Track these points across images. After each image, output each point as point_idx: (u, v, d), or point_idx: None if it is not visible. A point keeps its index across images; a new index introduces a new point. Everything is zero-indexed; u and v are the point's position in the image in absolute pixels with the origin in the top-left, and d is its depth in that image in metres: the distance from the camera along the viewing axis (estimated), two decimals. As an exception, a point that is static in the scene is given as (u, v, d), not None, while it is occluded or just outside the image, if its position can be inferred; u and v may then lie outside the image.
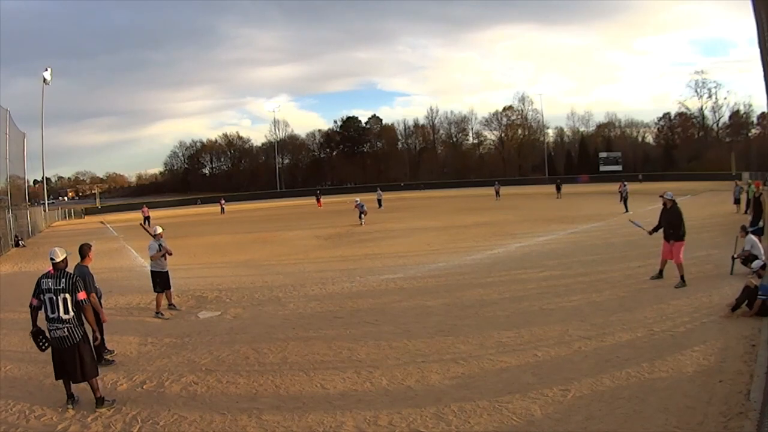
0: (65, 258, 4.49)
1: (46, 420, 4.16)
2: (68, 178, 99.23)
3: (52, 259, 4.41)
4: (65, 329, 4.25)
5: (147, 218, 28.80)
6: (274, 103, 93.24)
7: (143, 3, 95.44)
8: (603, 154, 65.71)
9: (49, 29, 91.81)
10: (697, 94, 66.86)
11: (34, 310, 4.40)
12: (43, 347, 4.42)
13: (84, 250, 5.49)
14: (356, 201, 23.30)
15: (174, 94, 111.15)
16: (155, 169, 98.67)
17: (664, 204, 7.95)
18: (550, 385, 4.23)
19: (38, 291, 4.34)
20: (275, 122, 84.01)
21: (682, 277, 7.44)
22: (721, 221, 15.58)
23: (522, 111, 77.67)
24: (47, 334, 4.33)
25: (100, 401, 4.32)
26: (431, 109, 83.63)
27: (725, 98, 64.90)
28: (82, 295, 4.32)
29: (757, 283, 5.82)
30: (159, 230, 7.88)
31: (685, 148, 66.96)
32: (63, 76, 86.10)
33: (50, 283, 4.30)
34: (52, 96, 55.60)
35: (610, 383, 4.23)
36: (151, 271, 7.73)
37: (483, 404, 3.98)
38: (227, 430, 3.84)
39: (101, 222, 36.82)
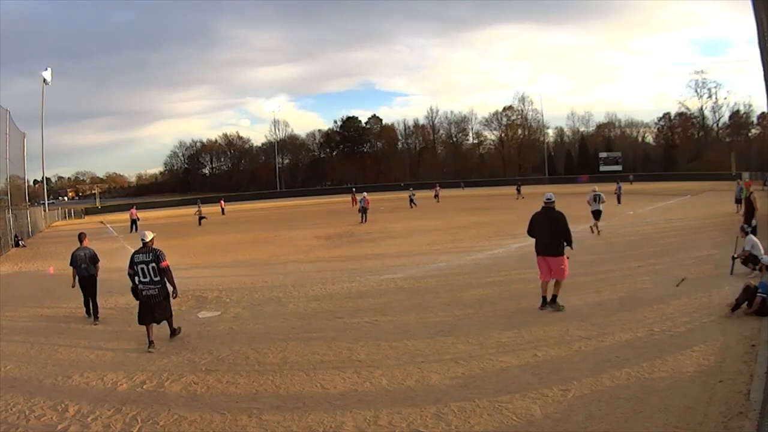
0: (152, 239, 6.07)
1: (46, 420, 4.15)
2: (68, 178, 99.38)
3: (142, 239, 6.02)
4: (155, 289, 5.88)
5: (135, 221, 25.75)
6: (273, 103, 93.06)
7: (141, 3, 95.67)
8: (603, 154, 65.76)
9: (48, 30, 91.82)
10: (697, 94, 67.08)
11: (131, 276, 5.93)
12: (140, 298, 5.96)
13: (81, 237, 7.78)
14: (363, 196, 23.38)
15: (173, 94, 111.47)
16: (155, 169, 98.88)
17: (542, 208, 6.55)
18: (550, 385, 4.23)
19: (132, 263, 5.89)
20: (275, 122, 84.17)
21: (554, 297, 6.33)
22: (721, 221, 15.57)
23: (522, 111, 77.91)
24: (141, 294, 5.88)
25: (175, 331, 6.15)
26: (431, 109, 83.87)
27: (725, 98, 65.15)
28: (164, 264, 5.90)
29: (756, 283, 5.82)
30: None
31: (685, 148, 67.00)
32: (62, 77, 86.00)
33: (141, 257, 5.89)
34: (51, 96, 55.78)
35: (610, 383, 4.23)
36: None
37: (483, 404, 3.97)
38: (227, 430, 3.84)
39: (101, 222, 36.81)
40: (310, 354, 5.43)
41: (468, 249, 12.59)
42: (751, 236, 8.00)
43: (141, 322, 5.94)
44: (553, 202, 6.54)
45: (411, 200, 31.14)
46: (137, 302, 6.04)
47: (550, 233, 6.38)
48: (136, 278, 5.88)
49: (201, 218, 27.45)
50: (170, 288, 6.02)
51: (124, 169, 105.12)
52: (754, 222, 8.71)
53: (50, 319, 7.80)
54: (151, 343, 5.86)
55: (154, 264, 5.84)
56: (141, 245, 6.02)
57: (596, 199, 14.04)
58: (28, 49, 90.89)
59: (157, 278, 5.86)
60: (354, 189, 40.22)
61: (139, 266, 5.84)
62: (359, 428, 3.73)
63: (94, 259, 7.50)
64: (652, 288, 7.32)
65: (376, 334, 5.96)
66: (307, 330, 6.35)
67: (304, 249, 14.81)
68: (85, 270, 7.44)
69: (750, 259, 7.56)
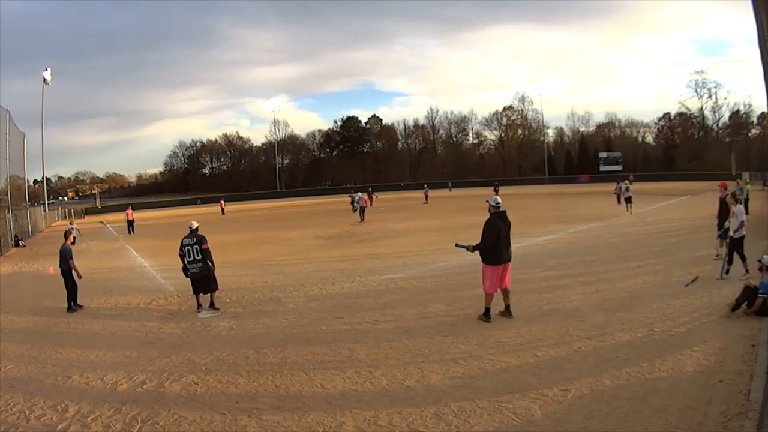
0: (198, 227, 7.57)
1: (46, 420, 4.16)
2: (68, 178, 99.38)
3: (190, 226, 7.54)
4: (197, 267, 7.34)
5: (131, 222, 24.78)
6: (273, 103, 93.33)
7: (141, 4, 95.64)
8: (603, 154, 65.72)
9: (48, 30, 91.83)
10: (697, 94, 66.94)
11: (181, 257, 7.43)
12: (188, 275, 7.44)
13: (66, 235, 8.82)
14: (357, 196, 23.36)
15: (173, 94, 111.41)
16: (155, 169, 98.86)
17: (495, 214, 6.25)
18: (550, 385, 4.23)
19: (182, 246, 7.41)
20: (275, 122, 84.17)
21: (507, 306, 6.33)
22: (721, 221, 15.54)
23: (522, 111, 77.85)
24: (189, 271, 7.36)
25: (213, 306, 7.48)
26: (431, 109, 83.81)
27: (725, 98, 64.98)
28: (205, 246, 7.38)
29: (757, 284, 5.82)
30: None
31: (685, 148, 66.91)
32: (62, 77, 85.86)
33: (188, 241, 7.39)
34: (51, 96, 55.84)
35: (610, 383, 4.23)
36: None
37: (483, 404, 3.98)
38: (227, 430, 3.84)
39: (101, 222, 36.82)
40: (310, 354, 5.43)
41: (468, 249, 12.56)
42: (740, 206, 8.13)
43: (194, 291, 7.54)
44: (500, 205, 6.36)
45: (352, 203, 27.23)
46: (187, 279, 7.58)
47: (507, 239, 6.28)
48: (185, 258, 7.37)
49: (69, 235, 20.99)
50: (210, 265, 7.39)
51: (124, 169, 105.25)
52: (726, 224, 8.75)
53: (50, 319, 7.80)
54: (199, 305, 7.51)
55: (197, 246, 7.33)
56: (188, 232, 7.53)
57: (627, 189, 19.59)
58: (28, 49, 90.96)
59: (199, 257, 7.31)
60: (371, 189, 37.83)
61: (186, 248, 7.37)
62: (359, 428, 3.73)
63: (63, 255, 8.35)
64: (652, 288, 7.32)
65: (376, 334, 5.96)
66: (307, 330, 6.35)
67: (304, 249, 14.81)
68: (60, 264, 8.41)
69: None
